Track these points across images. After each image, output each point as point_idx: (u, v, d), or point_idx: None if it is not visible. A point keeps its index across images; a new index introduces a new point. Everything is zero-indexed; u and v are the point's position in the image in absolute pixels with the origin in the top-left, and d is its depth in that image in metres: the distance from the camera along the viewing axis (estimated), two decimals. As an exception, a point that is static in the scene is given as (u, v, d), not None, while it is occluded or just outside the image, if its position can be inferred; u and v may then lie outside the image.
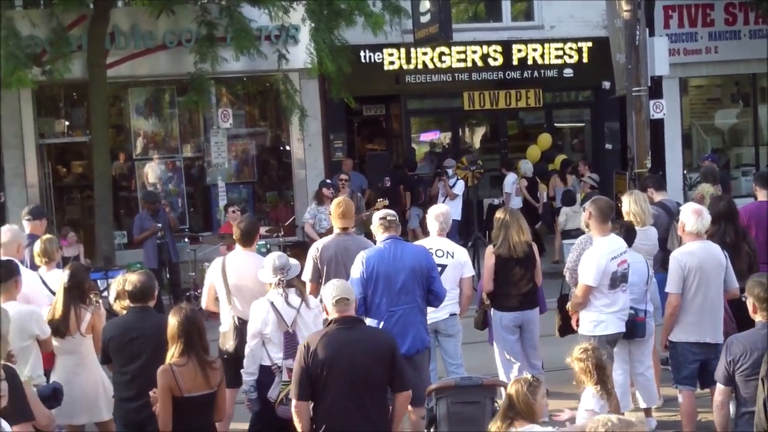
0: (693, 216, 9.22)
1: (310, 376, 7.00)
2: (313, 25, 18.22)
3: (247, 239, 9.80)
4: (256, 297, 9.01)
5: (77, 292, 8.77)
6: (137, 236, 16.65)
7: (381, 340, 7.36)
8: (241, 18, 17.86)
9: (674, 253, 9.48)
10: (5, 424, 5.91)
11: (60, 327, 8.60)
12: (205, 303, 10.01)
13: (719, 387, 7.42)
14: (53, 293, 9.36)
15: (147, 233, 16.32)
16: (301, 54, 18.65)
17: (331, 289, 7.30)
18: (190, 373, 7.00)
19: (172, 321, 7.14)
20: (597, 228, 9.54)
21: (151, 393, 7.28)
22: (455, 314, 10.28)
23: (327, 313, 7.39)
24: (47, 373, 8.79)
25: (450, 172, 19.84)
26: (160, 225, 16.29)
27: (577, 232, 14.57)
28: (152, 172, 20.57)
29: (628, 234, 10.00)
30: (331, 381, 6.98)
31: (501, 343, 10.55)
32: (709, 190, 13.17)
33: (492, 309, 10.60)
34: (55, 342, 8.65)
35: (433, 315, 9.87)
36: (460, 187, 19.74)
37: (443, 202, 18.74)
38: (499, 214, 10.58)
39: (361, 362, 7.02)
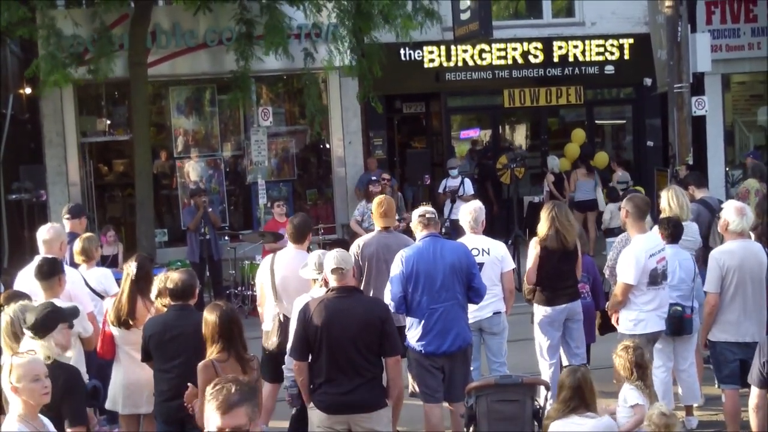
0: (736, 214, 9.09)
1: (307, 339, 7.61)
2: (336, 24, 18.35)
3: (299, 236, 9.80)
4: (300, 295, 9.03)
5: (144, 284, 8.75)
6: (191, 223, 16.62)
7: (372, 308, 7.86)
8: (277, 15, 17.77)
9: (713, 252, 9.39)
10: (48, 423, 5.91)
11: (127, 319, 8.60)
12: (259, 304, 9.98)
13: (754, 390, 7.32)
14: (93, 291, 9.42)
15: (199, 213, 16.36)
16: (336, 53, 18.69)
17: (330, 259, 7.77)
18: (231, 370, 6.98)
19: (210, 318, 7.16)
20: (634, 225, 9.47)
21: (189, 390, 7.32)
22: (499, 312, 10.16)
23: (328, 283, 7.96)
24: (109, 364, 8.88)
25: (454, 172, 19.44)
26: (205, 199, 16.67)
27: (620, 230, 14.47)
28: (193, 170, 20.66)
29: (675, 229, 9.90)
30: (325, 343, 7.53)
31: (545, 338, 10.23)
32: (755, 185, 13.10)
33: (536, 304, 10.27)
34: (117, 332, 8.68)
35: (477, 313, 9.83)
36: (469, 187, 19.03)
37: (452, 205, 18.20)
38: (547, 207, 10.31)
39: (352, 328, 7.54)
